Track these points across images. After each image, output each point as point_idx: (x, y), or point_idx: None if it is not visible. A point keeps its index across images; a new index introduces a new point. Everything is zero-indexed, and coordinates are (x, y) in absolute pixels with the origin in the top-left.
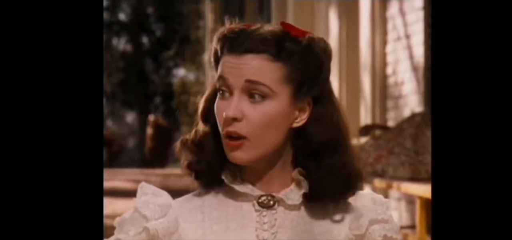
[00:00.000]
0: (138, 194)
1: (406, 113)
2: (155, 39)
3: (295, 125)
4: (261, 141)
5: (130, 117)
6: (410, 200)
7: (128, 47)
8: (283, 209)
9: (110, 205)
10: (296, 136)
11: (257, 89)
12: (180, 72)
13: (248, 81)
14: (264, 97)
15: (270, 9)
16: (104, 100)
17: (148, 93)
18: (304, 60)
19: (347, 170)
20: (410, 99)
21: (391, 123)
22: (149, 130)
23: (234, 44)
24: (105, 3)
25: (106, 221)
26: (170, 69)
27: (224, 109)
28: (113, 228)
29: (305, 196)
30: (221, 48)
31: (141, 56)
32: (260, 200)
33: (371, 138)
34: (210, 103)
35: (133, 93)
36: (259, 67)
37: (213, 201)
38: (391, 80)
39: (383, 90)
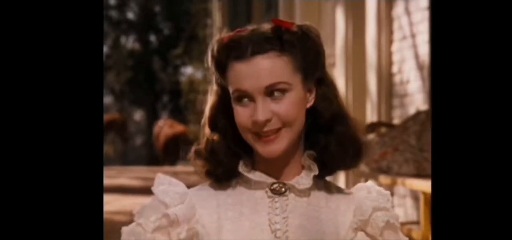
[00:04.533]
0: (155, 184)
1: (411, 111)
2: (163, 38)
3: (307, 106)
4: (293, 126)
5: (138, 115)
6: (414, 196)
7: (136, 46)
8: (294, 196)
9: (118, 202)
10: (307, 116)
11: (277, 88)
12: (188, 71)
13: (268, 86)
14: (284, 92)
15: (278, 9)
16: (113, 99)
17: (156, 91)
18: (305, 47)
19: (354, 138)
20: (415, 97)
21: (396, 121)
22: (167, 130)
23: (239, 51)
24: (113, 2)
25: (114, 217)
26: (177, 68)
27: (249, 115)
28: (121, 223)
29: (317, 177)
30: (226, 57)
31: (149, 54)
32: (272, 187)
33: (377, 136)
34: (216, 111)
35: (141, 91)
36: (271, 67)
37: (228, 189)
38: (396, 79)
39: (389, 89)
